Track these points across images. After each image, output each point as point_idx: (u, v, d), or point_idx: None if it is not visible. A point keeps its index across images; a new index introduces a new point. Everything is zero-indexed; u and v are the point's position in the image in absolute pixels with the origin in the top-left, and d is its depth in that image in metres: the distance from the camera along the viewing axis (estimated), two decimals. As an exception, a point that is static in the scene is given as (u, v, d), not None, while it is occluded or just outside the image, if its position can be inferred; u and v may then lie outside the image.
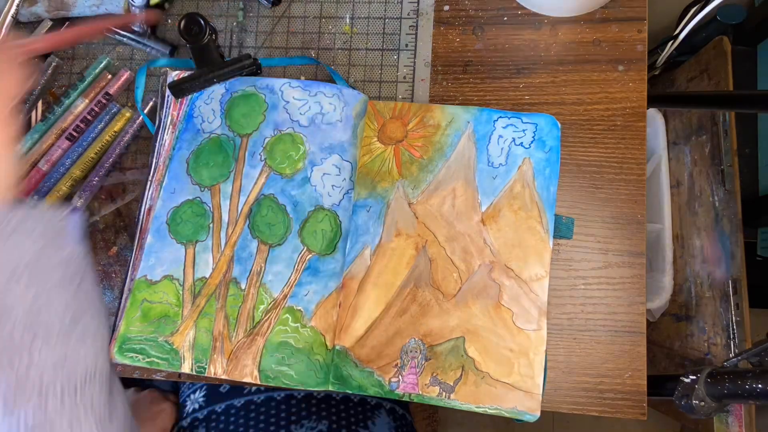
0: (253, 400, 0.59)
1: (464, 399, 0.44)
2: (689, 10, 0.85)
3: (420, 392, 0.44)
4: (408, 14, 0.52)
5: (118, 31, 0.53)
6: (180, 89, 0.50)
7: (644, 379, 0.46)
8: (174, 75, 0.51)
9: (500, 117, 0.48)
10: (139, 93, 0.53)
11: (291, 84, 0.49)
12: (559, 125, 0.48)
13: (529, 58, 0.50)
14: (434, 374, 0.45)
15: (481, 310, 0.45)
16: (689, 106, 0.87)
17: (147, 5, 0.51)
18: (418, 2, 0.52)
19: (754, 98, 0.63)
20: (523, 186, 0.47)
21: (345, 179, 0.48)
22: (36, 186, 0.52)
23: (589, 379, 0.46)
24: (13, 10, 0.53)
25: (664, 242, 0.96)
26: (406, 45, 0.52)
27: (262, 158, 0.48)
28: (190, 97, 0.51)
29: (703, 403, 0.51)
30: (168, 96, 0.51)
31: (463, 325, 0.45)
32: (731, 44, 0.88)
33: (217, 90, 0.50)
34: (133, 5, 0.51)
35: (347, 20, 0.53)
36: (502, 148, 0.48)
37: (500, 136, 0.48)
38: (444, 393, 0.44)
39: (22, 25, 0.56)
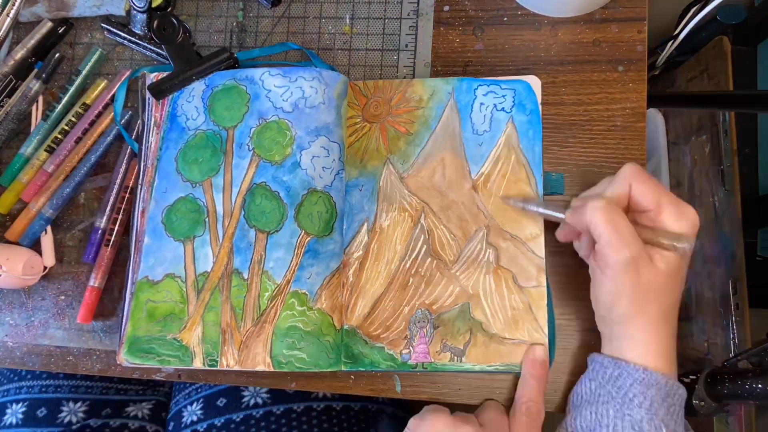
0: (252, 414, 0.59)
1: (476, 360, 0.45)
2: (689, 10, 0.85)
3: (432, 360, 0.46)
4: (408, 14, 0.52)
5: (119, 32, 0.53)
6: (160, 90, 0.50)
7: (644, 380, 0.46)
8: (152, 77, 0.51)
9: (480, 85, 0.49)
10: (118, 107, 0.53)
11: (270, 72, 0.49)
12: (540, 84, 0.49)
13: (529, 58, 0.50)
14: (444, 341, 0.46)
15: (482, 274, 0.46)
16: (689, 106, 0.87)
17: (149, 7, 0.50)
18: (418, 2, 0.52)
19: (754, 98, 0.63)
20: (509, 149, 0.48)
21: (334, 160, 0.48)
22: (41, 188, 0.52)
23: (589, 380, 0.46)
24: (13, 11, 0.53)
25: (664, 242, 0.96)
26: (406, 45, 0.52)
27: (250, 148, 0.48)
28: (171, 97, 0.51)
29: (703, 403, 0.51)
30: (149, 98, 0.51)
31: (466, 291, 0.46)
32: (731, 44, 0.88)
33: (198, 87, 0.50)
34: (135, 7, 0.50)
35: (347, 20, 0.53)
36: (484, 115, 0.49)
37: (482, 104, 0.49)
38: (456, 357, 0.45)
39: (22, 26, 0.56)
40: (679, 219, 0.38)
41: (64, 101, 0.53)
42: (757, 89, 1.01)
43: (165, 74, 0.51)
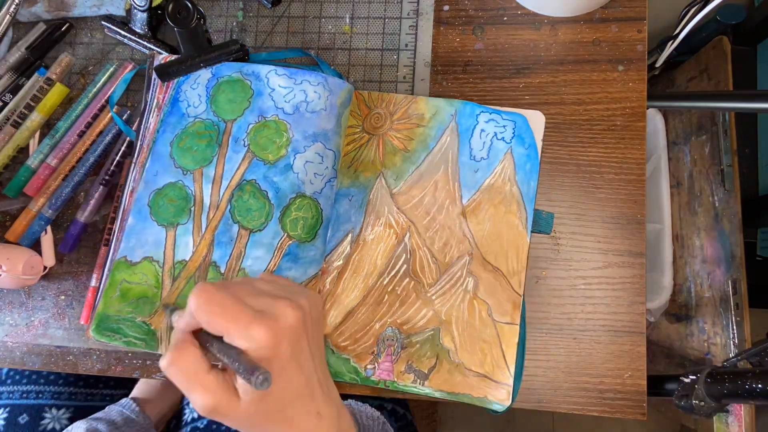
0: None
1: (437, 386, 0.45)
2: (689, 10, 0.85)
3: (395, 379, 0.45)
4: (408, 14, 0.52)
5: (119, 30, 0.53)
6: (166, 72, 0.50)
7: (644, 379, 0.46)
8: (161, 58, 0.51)
9: (482, 111, 0.49)
10: (115, 96, 0.53)
11: (277, 71, 0.49)
12: (543, 120, 0.48)
13: (529, 58, 0.50)
14: (409, 362, 0.45)
15: (458, 302, 0.46)
16: (689, 105, 0.87)
17: (149, 6, 0.51)
18: (418, 2, 0.52)
19: (753, 98, 0.63)
20: (504, 180, 0.48)
21: (327, 167, 0.48)
22: (45, 183, 0.52)
23: (589, 379, 0.46)
24: (12, 10, 0.53)
25: (664, 242, 0.96)
26: (406, 45, 0.52)
27: (246, 144, 0.48)
28: (176, 81, 0.51)
29: (702, 403, 0.51)
30: (154, 79, 0.51)
31: (439, 316, 0.46)
32: (731, 44, 0.88)
33: (204, 75, 0.50)
34: (135, 6, 0.51)
35: (347, 20, 0.53)
36: (484, 142, 0.48)
37: (482, 130, 0.49)
38: (418, 380, 0.45)
39: (22, 25, 0.56)
40: (247, 343, 0.33)
41: (71, 119, 0.53)
42: (757, 89, 1.01)
43: (173, 57, 0.51)
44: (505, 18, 0.51)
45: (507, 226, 0.47)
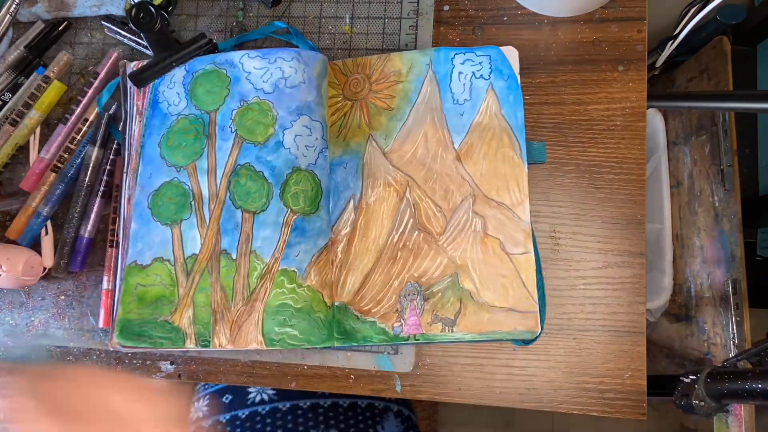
0: (257, 411, 0.59)
1: (467, 329, 0.45)
2: (689, 10, 0.85)
3: (424, 331, 0.46)
4: (408, 14, 0.52)
5: (119, 30, 0.53)
6: (141, 78, 0.50)
7: (644, 379, 0.46)
8: (132, 65, 0.51)
9: (456, 54, 0.49)
10: (103, 99, 0.53)
11: (249, 55, 0.50)
12: (517, 55, 0.49)
13: (529, 58, 0.50)
14: (435, 312, 0.46)
15: (470, 244, 0.47)
16: (689, 105, 0.87)
17: (147, 5, 0.51)
18: (418, 2, 0.52)
19: (753, 98, 0.63)
20: (491, 116, 0.48)
21: (317, 138, 0.48)
22: (41, 178, 0.52)
23: (589, 379, 0.47)
24: (12, 10, 0.53)
25: (664, 242, 0.96)
26: (406, 45, 0.52)
27: (233, 130, 0.49)
28: (152, 84, 0.51)
29: (702, 403, 0.51)
30: (130, 87, 0.51)
31: (454, 261, 0.47)
32: (731, 44, 0.88)
33: (178, 73, 0.51)
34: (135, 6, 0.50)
35: (347, 20, 0.53)
36: (464, 84, 0.49)
37: (460, 72, 0.49)
38: (447, 328, 0.46)
39: (22, 25, 0.56)
40: None
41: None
42: (757, 89, 1.01)
43: (144, 62, 0.51)
44: (505, 18, 0.51)
45: (502, 159, 0.47)
